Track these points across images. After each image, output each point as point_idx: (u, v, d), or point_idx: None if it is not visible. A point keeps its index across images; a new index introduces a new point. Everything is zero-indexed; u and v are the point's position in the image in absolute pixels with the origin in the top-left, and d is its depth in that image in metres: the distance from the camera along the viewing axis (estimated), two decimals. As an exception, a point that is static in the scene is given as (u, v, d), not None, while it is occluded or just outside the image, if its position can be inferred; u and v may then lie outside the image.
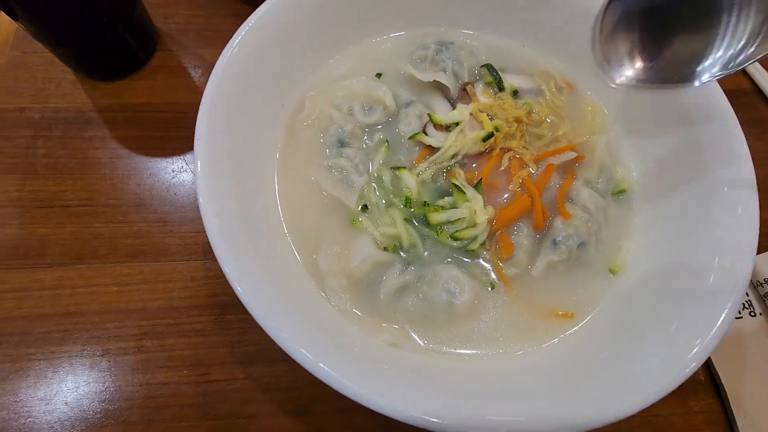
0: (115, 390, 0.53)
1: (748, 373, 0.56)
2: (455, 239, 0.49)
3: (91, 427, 0.51)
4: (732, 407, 0.54)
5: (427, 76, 0.58)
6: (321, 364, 0.36)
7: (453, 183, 0.51)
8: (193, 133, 0.68)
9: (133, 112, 0.69)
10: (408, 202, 0.51)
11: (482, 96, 0.58)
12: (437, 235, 0.50)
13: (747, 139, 0.69)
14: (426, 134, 0.55)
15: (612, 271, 0.52)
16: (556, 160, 0.55)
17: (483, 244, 0.50)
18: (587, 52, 0.48)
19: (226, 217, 0.41)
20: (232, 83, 0.48)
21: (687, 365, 0.37)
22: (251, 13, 0.53)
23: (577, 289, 0.51)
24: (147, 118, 0.69)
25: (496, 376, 0.45)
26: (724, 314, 0.39)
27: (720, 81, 0.66)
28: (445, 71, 0.59)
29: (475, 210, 0.49)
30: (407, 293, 0.47)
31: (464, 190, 0.50)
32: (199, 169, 0.43)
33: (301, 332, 0.38)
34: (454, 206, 0.50)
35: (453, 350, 0.46)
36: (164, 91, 0.71)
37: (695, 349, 0.38)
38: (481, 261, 0.50)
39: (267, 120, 0.54)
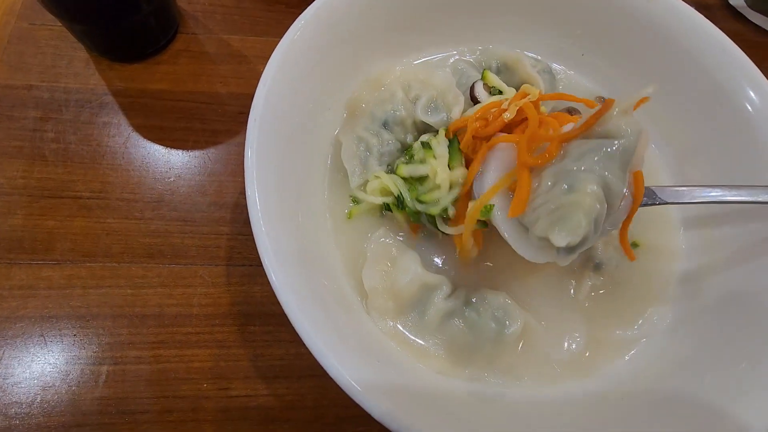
0: (131, 401, 0.50)
1: None
2: (420, 201, 0.46)
3: (102, 440, 0.48)
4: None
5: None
6: (367, 395, 0.33)
7: (424, 142, 0.47)
8: (216, 126, 0.64)
9: (151, 99, 0.64)
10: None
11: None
12: (410, 191, 0.46)
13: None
14: (474, 94, 0.52)
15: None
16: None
17: (445, 209, 0.46)
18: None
19: (278, 233, 0.38)
20: (284, 85, 0.44)
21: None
22: None
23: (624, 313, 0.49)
24: (167, 106, 0.64)
25: (540, 410, 0.43)
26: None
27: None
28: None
29: (436, 170, 0.44)
30: (454, 318, 0.45)
31: (432, 146, 0.46)
32: (252, 179, 0.39)
33: (345, 352, 0.35)
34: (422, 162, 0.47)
35: (499, 381, 0.44)
36: (186, 78, 0.66)
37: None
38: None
39: (315, 126, 0.50)
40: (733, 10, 0.82)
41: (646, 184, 0.41)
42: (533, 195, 0.39)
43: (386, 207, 0.49)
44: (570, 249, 0.36)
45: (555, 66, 0.61)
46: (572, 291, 0.49)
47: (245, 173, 0.40)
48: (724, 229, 0.50)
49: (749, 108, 0.49)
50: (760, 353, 0.40)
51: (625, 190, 0.37)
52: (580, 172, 0.37)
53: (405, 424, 0.33)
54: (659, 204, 0.47)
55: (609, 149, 0.37)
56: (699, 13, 0.56)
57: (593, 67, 0.61)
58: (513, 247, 0.43)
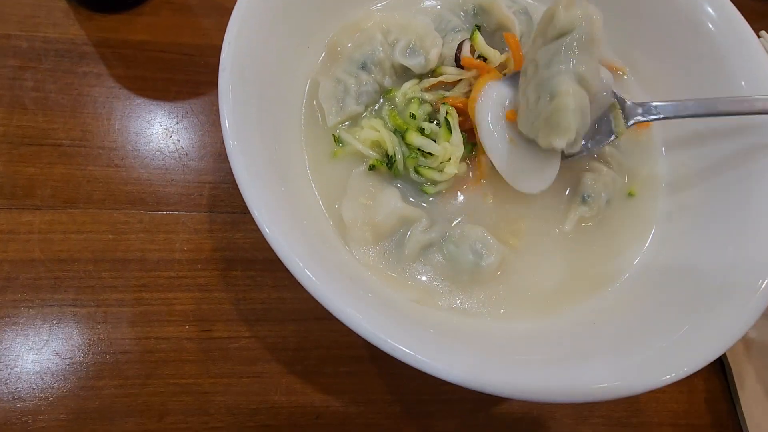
0: (112, 343, 0.50)
1: (753, 356, 0.56)
2: (417, 172, 0.47)
3: (84, 379, 0.48)
4: (736, 386, 0.55)
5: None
6: (350, 309, 0.33)
7: (447, 119, 0.47)
8: (199, 78, 0.64)
9: (132, 50, 0.64)
10: (394, 116, 0.48)
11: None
12: (407, 158, 0.47)
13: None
14: (459, 54, 0.51)
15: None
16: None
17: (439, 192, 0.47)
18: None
19: (253, 156, 0.37)
20: (258, 18, 0.43)
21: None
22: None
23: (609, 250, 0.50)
24: (148, 57, 0.64)
25: (524, 338, 0.43)
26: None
27: None
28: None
29: (449, 157, 0.45)
30: (432, 251, 0.45)
31: (453, 131, 0.46)
32: (225, 107, 0.38)
33: (328, 278, 0.35)
34: (434, 138, 0.47)
35: (479, 309, 0.44)
36: (168, 29, 0.65)
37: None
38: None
39: (292, 66, 0.50)
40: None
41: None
42: (527, 112, 0.42)
43: (371, 167, 0.48)
44: (574, 142, 0.40)
45: (531, 1, 0.60)
46: (557, 227, 0.49)
47: (221, 115, 0.39)
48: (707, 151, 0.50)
49: (709, 25, 0.50)
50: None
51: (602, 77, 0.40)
52: (553, 76, 0.39)
53: (389, 341, 0.33)
54: (657, 119, 0.47)
55: (568, 44, 0.40)
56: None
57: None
58: (506, 178, 0.45)
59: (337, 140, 0.50)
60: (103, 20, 0.64)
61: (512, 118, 0.46)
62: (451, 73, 0.51)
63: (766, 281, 0.38)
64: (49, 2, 0.64)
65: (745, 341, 0.57)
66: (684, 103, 0.47)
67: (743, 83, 0.48)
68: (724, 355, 0.56)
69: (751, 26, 0.85)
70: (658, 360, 0.36)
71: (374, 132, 0.47)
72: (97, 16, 0.65)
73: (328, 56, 0.52)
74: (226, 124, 0.37)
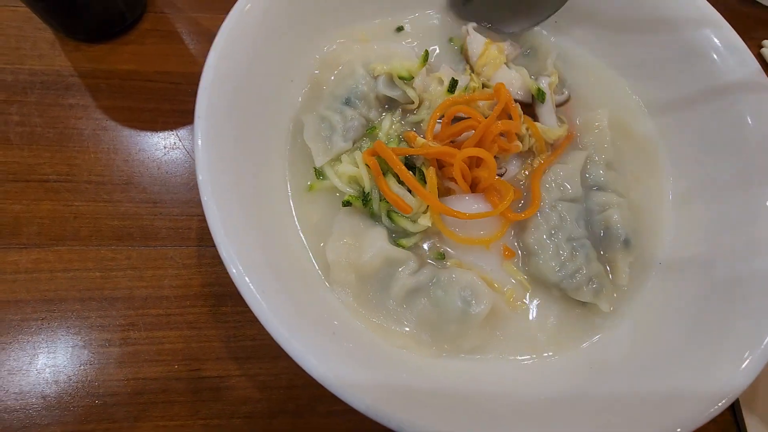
0: (99, 384, 0.49)
1: (761, 379, 0.55)
2: (390, 218, 0.46)
3: (72, 423, 0.47)
4: (743, 415, 0.53)
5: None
6: (325, 371, 0.32)
7: (420, 168, 0.46)
8: (186, 107, 0.63)
9: (119, 80, 0.63)
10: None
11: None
12: (381, 202, 0.45)
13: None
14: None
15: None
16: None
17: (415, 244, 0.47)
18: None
19: (228, 199, 0.36)
20: (237, 51, 0.42)
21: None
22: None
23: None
24: (135, 87, 0.63)
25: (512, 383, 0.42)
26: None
27: None
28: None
29: (421, 212, 0.44)
30: (419, 295, 0.43)
31: (426, 176, 0.45)
32: (199, 144, 0.37)
33: (304, 331, 0.34)
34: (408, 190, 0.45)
35: (467, 356, 0.43)
36: (154, 58, 0.65)
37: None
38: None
39: (275, 94, 0.49)
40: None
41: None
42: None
43: (345, 202, 0.47)
44: None
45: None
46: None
47: (195, 149, 0.38)
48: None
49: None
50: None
51: None
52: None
53: (369, 404, 0.32)
54: None
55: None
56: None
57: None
58: None
59: (318, 174, 0.49)
60: (89, 50, 0.64)
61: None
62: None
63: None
64: (34, 33, 0.64)
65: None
66: None
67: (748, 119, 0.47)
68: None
69: (755, 34, 0.84)
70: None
71: (353, 167, 0.46)
72: (84, 46, 0.64)
73: (310, 93, 0.51)
74: (201, 177, 0.36)
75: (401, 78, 0.51)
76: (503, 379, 0.41)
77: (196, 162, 0.37)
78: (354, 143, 0.49)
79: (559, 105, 0.55)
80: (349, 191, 0.46)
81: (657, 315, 0.46)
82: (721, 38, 0.50)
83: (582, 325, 0.46)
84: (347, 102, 0.49)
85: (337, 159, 0.49)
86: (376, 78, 0.50)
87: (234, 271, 0.34)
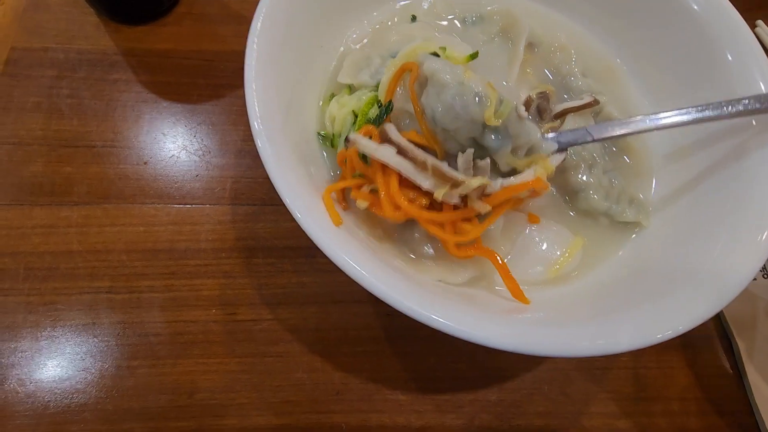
0: (144, 326, 0.54)
1: (759, 331, 0.58)
2: None
3: (120, 359, 0.52)
4: (743, 361, 0.56)
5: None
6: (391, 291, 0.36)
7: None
8: (218, 81, 0.68)
9: (157, 58, 0.68)
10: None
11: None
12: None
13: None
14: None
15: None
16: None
17: None
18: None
19: (276, 142, 0.41)
20: (276, 20, 0.47)
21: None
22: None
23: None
24: (172, 64, 0.68)
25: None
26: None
27: None
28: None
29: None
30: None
31: None
32: (249, 94, 0.42)
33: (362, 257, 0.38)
34: None
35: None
36: (189, 38, 0.70)
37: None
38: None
39: (308, 60, 0.53)
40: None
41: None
42: None
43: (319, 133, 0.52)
44: None
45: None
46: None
47: (248, 111, 0.42)
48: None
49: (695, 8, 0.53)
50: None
51: None
52: None
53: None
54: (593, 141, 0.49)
55: None
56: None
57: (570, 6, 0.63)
58: None
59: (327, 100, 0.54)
60: (130, 32, 0.69)
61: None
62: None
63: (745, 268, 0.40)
64: (81, 17, 0.70)
65: (751, 318, 0.58)
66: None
67: (729, 55, 0.50)
68: (731, 331, 0.58)
69: (749, 15, 0.88)
70: (655, 320, 0.38)
71: (339, 109, 0.50)
72: (125, 28, 0.70)
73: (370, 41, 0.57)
74: (255, 123, 0.40)
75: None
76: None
77: (251, 122, 0.41)
78: (376, 85, 0.52)
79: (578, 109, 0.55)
80: (327, 127, 0.51)
81: (676, 204, 0.51)
82: None
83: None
84: (393, 56, 0.52)
85: (350, 90, 0.53)
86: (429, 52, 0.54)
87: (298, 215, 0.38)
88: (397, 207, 0.42)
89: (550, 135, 0.48)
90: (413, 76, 0.45)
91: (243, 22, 0.72)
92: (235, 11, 0.73)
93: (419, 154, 0.42)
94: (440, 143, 0.45)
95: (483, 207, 0.42)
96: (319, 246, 0.38)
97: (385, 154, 0.42)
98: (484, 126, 0.42)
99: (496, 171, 0.45)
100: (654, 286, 0.44)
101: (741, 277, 0.39)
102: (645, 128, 0.47)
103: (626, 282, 0.47)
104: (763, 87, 0.47)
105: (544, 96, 0.55)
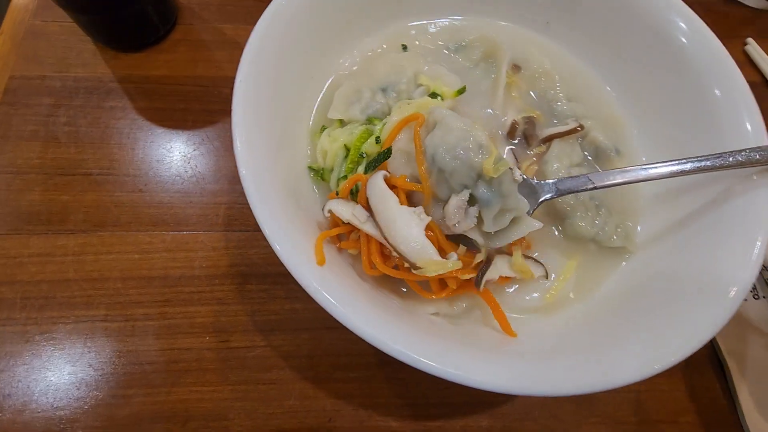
0: (139, 354, 0.54)
1: (750, 353, 0.58)
2: None
3: (115, 388, 0.53)
4: (735, 384, 0.56)
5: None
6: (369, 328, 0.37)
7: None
8: (213, 107, 0.69)
9: (153, 85, 0.70)
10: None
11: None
12: (341, 179, 0.51)
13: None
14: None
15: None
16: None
17: None
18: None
19: (262, 178, 0.42)
20: (266, 54, 0.48)
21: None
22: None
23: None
24: (167, 90, 0.69)
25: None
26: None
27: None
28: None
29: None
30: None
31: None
32: (236, 135, 0.43)
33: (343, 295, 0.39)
34: None
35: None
36: (184, 64, 0.71)
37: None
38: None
39: (298, 92, 0.54)
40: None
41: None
42: None
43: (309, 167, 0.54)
44: None
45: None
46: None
47: (234, 144, 0.44)
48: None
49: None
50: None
51: None
52: None
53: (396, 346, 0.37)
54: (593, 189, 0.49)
55: None
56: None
57: (558, 34, 0.64)
58: None
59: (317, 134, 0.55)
60: (126, 59, 0.71)
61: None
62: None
63: (734, 290, 0.40)
64: (78, 45, 0.71)
65: (742, 339, 0.59)
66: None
67: (717, 92, 0.51)
68: (722, 353, 0.58)
69: (739, 32, 0.88)
70: (645, 353, 0.38)
71: (330, 143, 0.51)
72: (122, 55, 0.71)
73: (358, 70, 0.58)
74: (238, 151, 0.42)
75: (434, 97, 0.56)
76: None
77: (236, 158, 0.42)
78: (367, 121, 0.54)
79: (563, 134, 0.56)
80: (317, 160, 0.52)
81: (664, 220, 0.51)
82: (689, 24, 0.54)
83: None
84: (384, 90, 0.54)
85: (341, 124, 0.54)
86: (417, 86, 0.55)
87: (278, 248, 0.39)
88: (373, 266, 0.45)
89: (551, 181, 0.48)
90: (420, 122, 0.47)
91: (237, 48, 0.73)
92: (230, 37, 0.74)
93: (385, 235, 0.44)
94: (431, 186, 0.46)
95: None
96: (306, 290, 0.38)
97: (359, 221, 0.45)
98: (479, 176, 0.43)
99: (479, 230, 0.46)
100: (641, 316, 0.44)
101: (731, 303, 0.39)
102: (644, 177, 0.47)
103: (616, 312, 0.47)
104: (747, 119, 0.47)
105: (530, 121, 0.56)
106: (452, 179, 0.45)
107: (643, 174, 0.47)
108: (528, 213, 0.47)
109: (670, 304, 0.43)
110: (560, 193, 0.48)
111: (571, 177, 0.48)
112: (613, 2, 0.56)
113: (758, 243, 0.42)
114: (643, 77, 0.57)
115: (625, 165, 0.55)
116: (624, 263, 0.52)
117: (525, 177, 0.47)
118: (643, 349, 0.38)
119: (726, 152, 0.45)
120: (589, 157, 0.56)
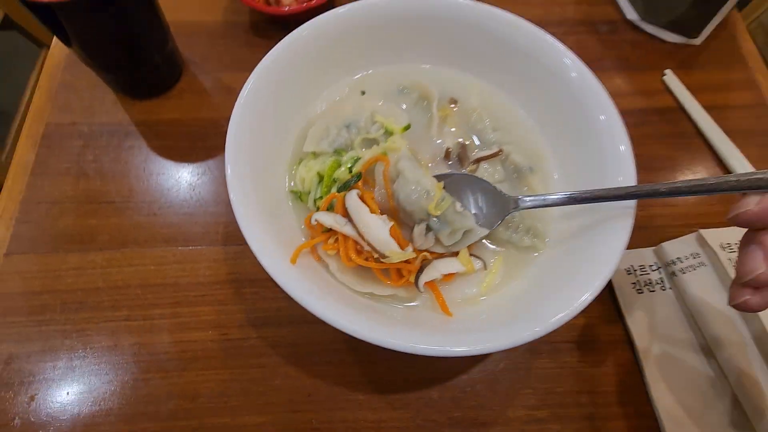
0: (156, 346, 0.67)
1: (656, 333, 0.70)
2: None
3: (136, 373, 0.65)
4: (641, 359, 0.68)
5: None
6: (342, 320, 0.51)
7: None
8: (213, 143, 0.84)
9: (164, 126, 0.84)
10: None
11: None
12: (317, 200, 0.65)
13: (671, 149, 0.88)
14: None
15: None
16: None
17: None
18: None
19: (249, 206, 0.56)
20: (252, 105, 0.62)
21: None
22: (262, 43, 0.68)
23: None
24: (176, 131, 0.84)
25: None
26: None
27: (649, 99, 0.89)
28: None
29: None
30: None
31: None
32: (228, 170, 0.57)
33: (312, 293, 0.53)
34: None
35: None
36: (190, 109, 0.86)
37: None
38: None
39: (278, 133, 0.68)
40: (630, 23, 1.00)
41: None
42: None
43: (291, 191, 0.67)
44: None
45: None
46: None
47: (227, 178, 0.57)
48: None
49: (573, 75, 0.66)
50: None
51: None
52: None
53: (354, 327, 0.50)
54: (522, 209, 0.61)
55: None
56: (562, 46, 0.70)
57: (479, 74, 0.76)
58: None
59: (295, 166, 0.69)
60: (141, 106, 0.86)
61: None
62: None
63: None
64: (102, 95, 0.86)
65: (650, 323, 0.71)
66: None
67: (602, 117, 0.64)
68: (632, 334, 0.70)
69: (660, 65, 1.02)
70: (553, 312, 0.51)
71: (306, 172, 0.65)
72: (137, 102, 0.86)
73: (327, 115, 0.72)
74: (229, 181, 0.56)
75: (386, 132, 0.70)
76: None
77: (228, 186, 0.56)
78: (334, 152, 0.67)
79: (485, 158, 0.69)
80: (294, 190, 0.66)
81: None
82: (573, 64, 0.66)
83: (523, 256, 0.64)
84: (347, 126, 0.68)
85: (314, 156, 0.67)
86: (373, 122, 0.69)
87: (265, 263, 0.53)
88: (350, 259, 0.59)
89: (515, 197, 0.62)
90: (387, 168, 0.63)
91: (233, 93, 0.87)
92: (227, 84, 0.89)
93: (360, 233, 0.59)
94: (400, 217, 0.63)
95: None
96: (283, 288, 0.52)
97: (340, 225, 0.60)
98: (428, 213, 0.60)
99: (440, 243, 0.62)
100: (550, 291, 0.57)
101: (600, 281, 0.52)
102: (564, 202, 0.59)
103: (531, 291, 0.60)
104: (620, 143, 0.60)
105: (462, 147, 0.70)
106: (413, 215, 0.61)
107: (561, 198, 0.59)
108: (494, 227, 0.62)
109: (567, 282, 0.56)
110: (519, 209, 0.61)
111: (532, 196, 0.61)
112: (518, 54, 0.69)
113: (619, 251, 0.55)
114: (549, 108, 0.70)
115: (538, 181, 0.68)
116: (536, 254, 0.65)
117: (464, 207, 0.61)
118: (552, 310, 0.51)
119: (612, 188, 0.57)
120: (514, 175, 0.70)
